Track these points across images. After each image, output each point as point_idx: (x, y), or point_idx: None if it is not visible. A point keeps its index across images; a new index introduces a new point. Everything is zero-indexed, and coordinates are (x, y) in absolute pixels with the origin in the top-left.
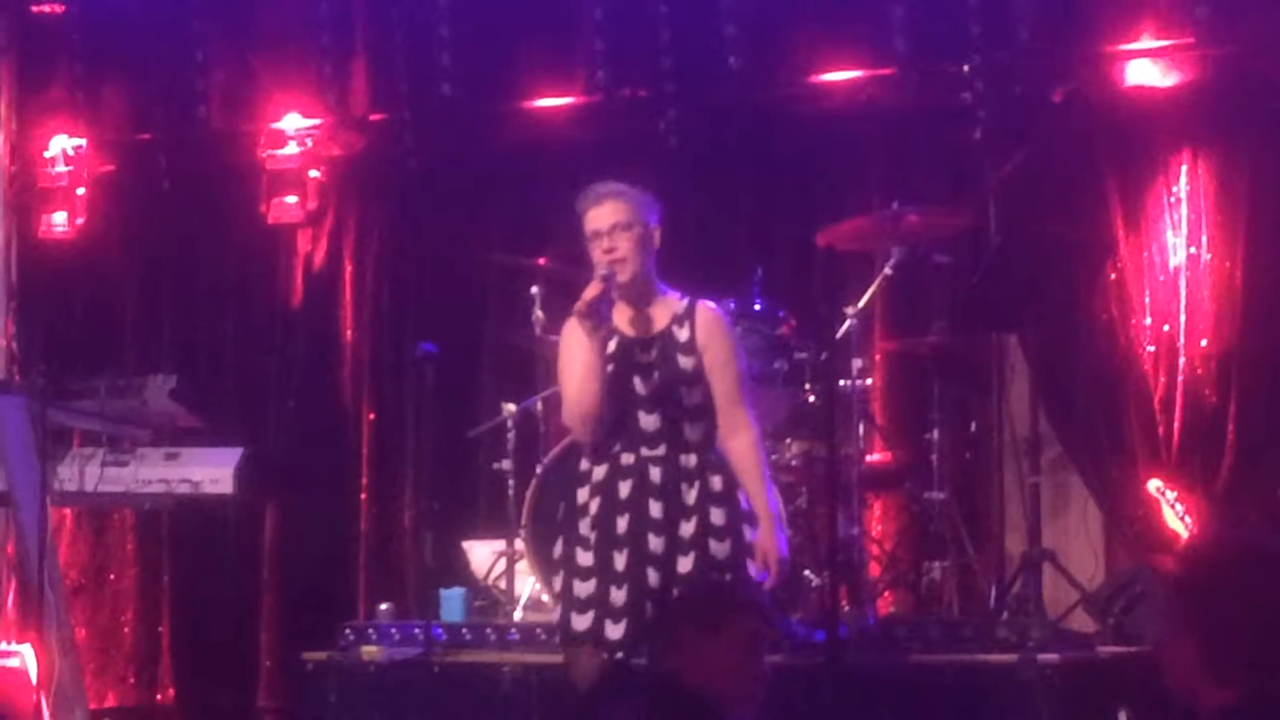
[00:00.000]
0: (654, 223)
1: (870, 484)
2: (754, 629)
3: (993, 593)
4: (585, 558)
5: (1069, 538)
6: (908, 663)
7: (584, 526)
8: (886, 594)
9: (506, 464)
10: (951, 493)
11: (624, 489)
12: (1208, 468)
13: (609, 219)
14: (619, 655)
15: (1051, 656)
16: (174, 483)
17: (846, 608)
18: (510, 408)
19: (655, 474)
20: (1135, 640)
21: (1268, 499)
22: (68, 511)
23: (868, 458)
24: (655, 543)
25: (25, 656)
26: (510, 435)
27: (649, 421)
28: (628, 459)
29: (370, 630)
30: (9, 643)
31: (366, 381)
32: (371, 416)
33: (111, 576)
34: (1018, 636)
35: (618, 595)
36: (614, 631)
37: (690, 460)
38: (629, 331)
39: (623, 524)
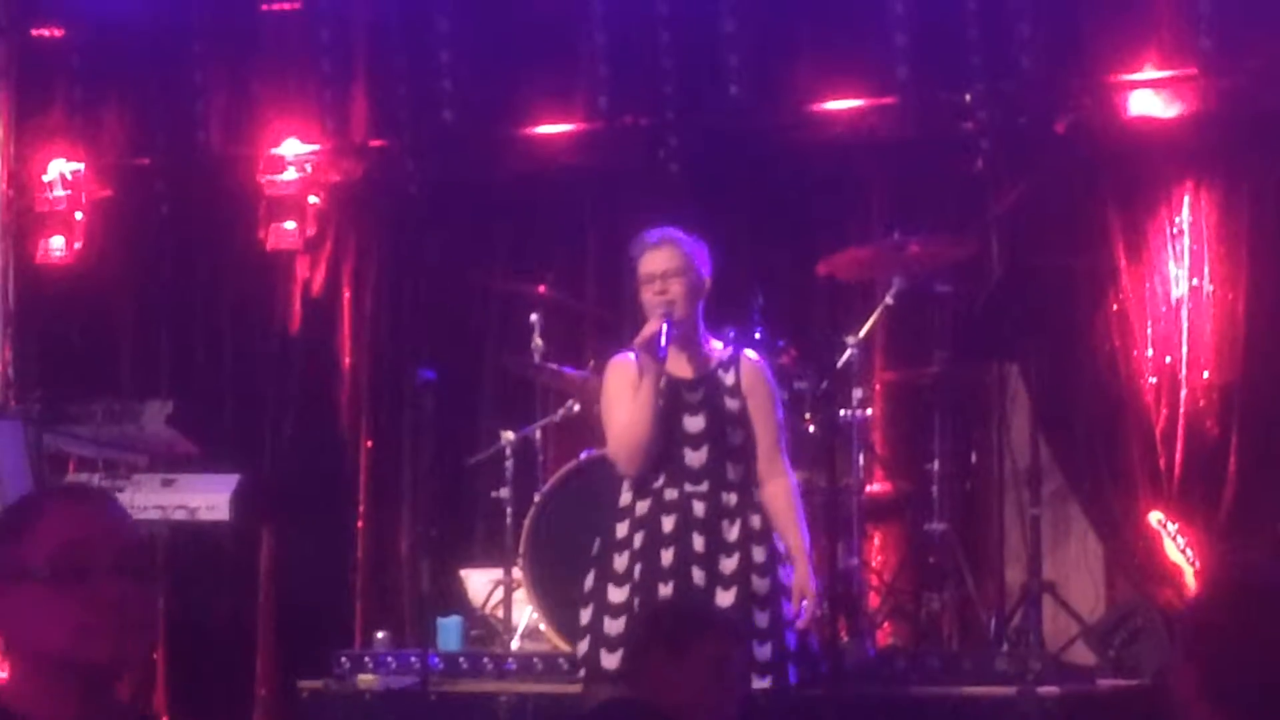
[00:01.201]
0: (706, 274)
1: (870, 514)
2: (721, 651)
3: (992, 624)
4: (618, 594)
5: (1069, 569)
6: (907, 694)
7: (620, 561)
8: (886, 625)
9: (504, 492)
10: (951, 524)
11: (667, 523)
12: (1209, 500)
13: (663, 264)
14: None
15: (1051, 689)
16: (170, 509)
17: (846, 639)
18: (509, 436)
19: (699, 509)
20: (1136, 673)
21: (1269, 531)
22: None
23: (868, 488)
24: (698, 575)
25: None
26: (508, 463)
27: (695, 459)
28: (671, 494)
29: (366, 658)
30: (5, 669)
31: (364, 408)
32: (369, 444)
33: None
34: (1017, 669)
35: None
36: None
37: (731, 498)
38: (676, 373)
39: (667, 557)
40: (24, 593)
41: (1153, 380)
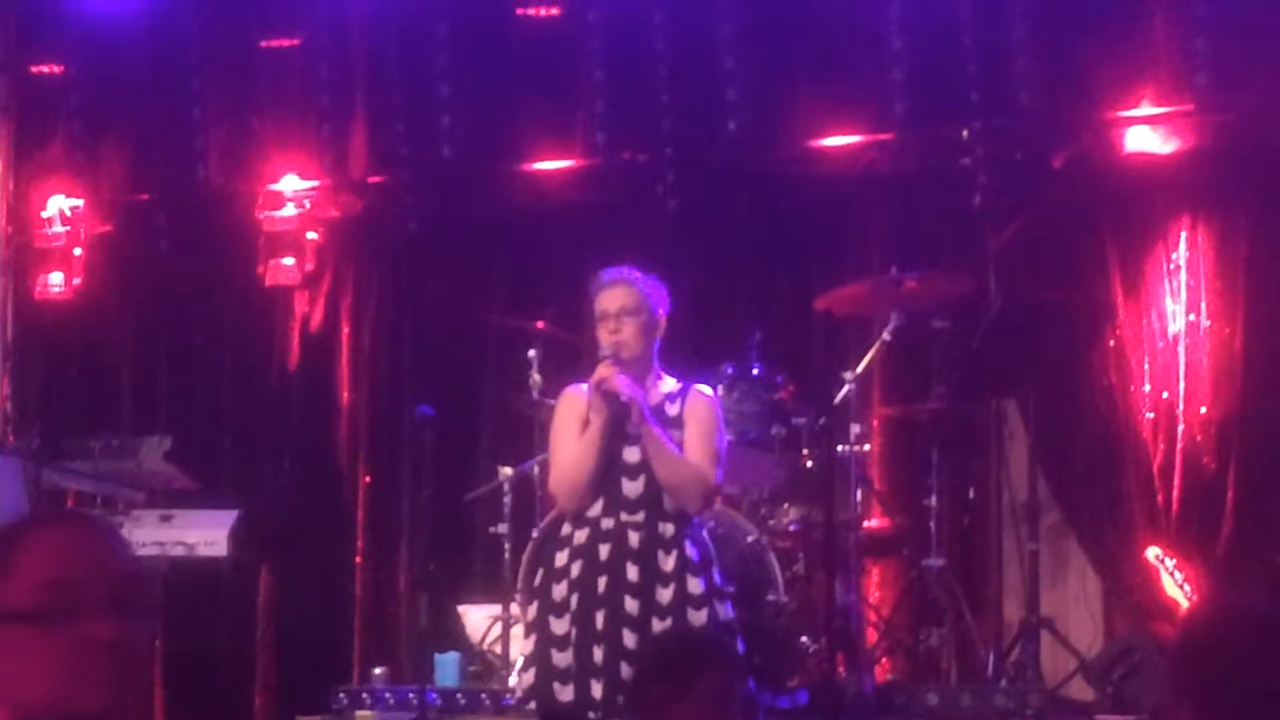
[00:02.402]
0: (662, 313)
1: (868, 550)
2: (725, 683)
3: (991, 660)
4: (559, 625)
5: (1067, 605)
6: None
7: (559, 590)
8: (884, 661)
9: (503, 528)
10: (950, 559)
11: (604, 551)
12: (1207, 535)
13: (617, 303)
14: (601, 715)
15: None
16: (168, 545)
17: (844, 675)
18: (507, 471)
19: (634, 539)
20: (1134, 709)
21: (1267, 566)
22: None
23: (865, 524)
24: (631, 605)
25: None
26: (507, 499)
27: (631, 489)
28: (608, 523)
29: (364, 694)
30: None
31: (363, 444)
32: (368, 479)
33: None
34: (1016, 704)
35: (597, 654)
36: (596, 690)
37: (668, 529)
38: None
39: (602, 584)
40: (6, 635)
41: (1150, 415)
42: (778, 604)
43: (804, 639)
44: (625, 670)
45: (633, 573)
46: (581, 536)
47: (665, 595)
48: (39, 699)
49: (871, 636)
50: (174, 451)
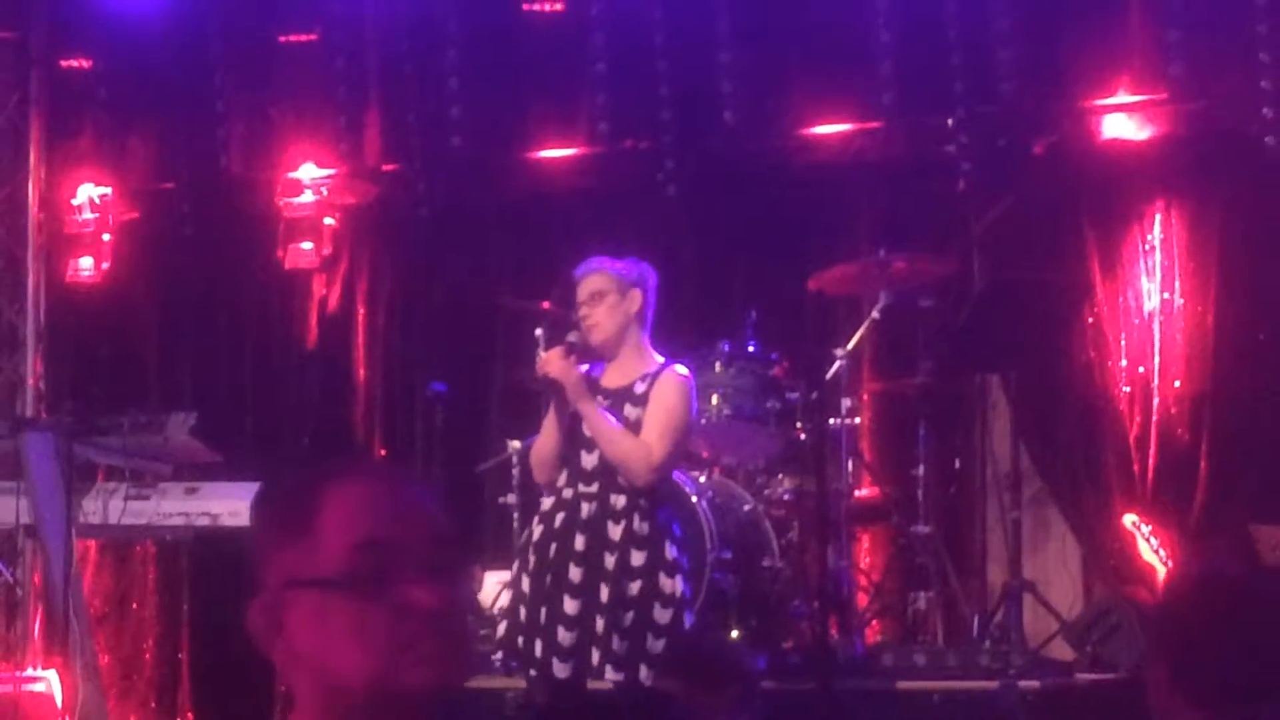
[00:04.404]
0: (635, 291)
1: (858, 518)
2: (748, 689)
3: (975, 622)
4: (525, 583)
5: (1049, 569)
6: (894, 689)
7: (528, 553)
8: (874, 623)
9: (512, 498)
10: (936, 526)
11: (558, 520)
12: (1181, 503)
13: (587, 290)
14: (536, 673)
15: (1032, 683)
16: (194, 516)
17: (835, 636)
18: (515, 444)
19: (585, 509)
20: (1111, 668)
21: (1238, 533)
22: (92, 543)
23: (856, 493)
24: (575, 572)
25: (51, 682)
26: (515, 471)
27: (589, 460)
28: (568, 494)
29: None
30: (35, 668)
31: (378, 419)
32: (383, 452)
33: (134, 606)
34: (1000, 664)
35: (541, 614)
36: (536, 649)
37: (620, 501)
38: (601, 383)
39: (552, 550)
40: (316, 604)
41: (1126, 389)
42: (773, 569)
43: (798, 602)
44: (563, 635)
45: (579, 542)
46: (548, 504)
47: (610, 561)
48: (355, 675)
49: (862, 600)
50: (199, 427)
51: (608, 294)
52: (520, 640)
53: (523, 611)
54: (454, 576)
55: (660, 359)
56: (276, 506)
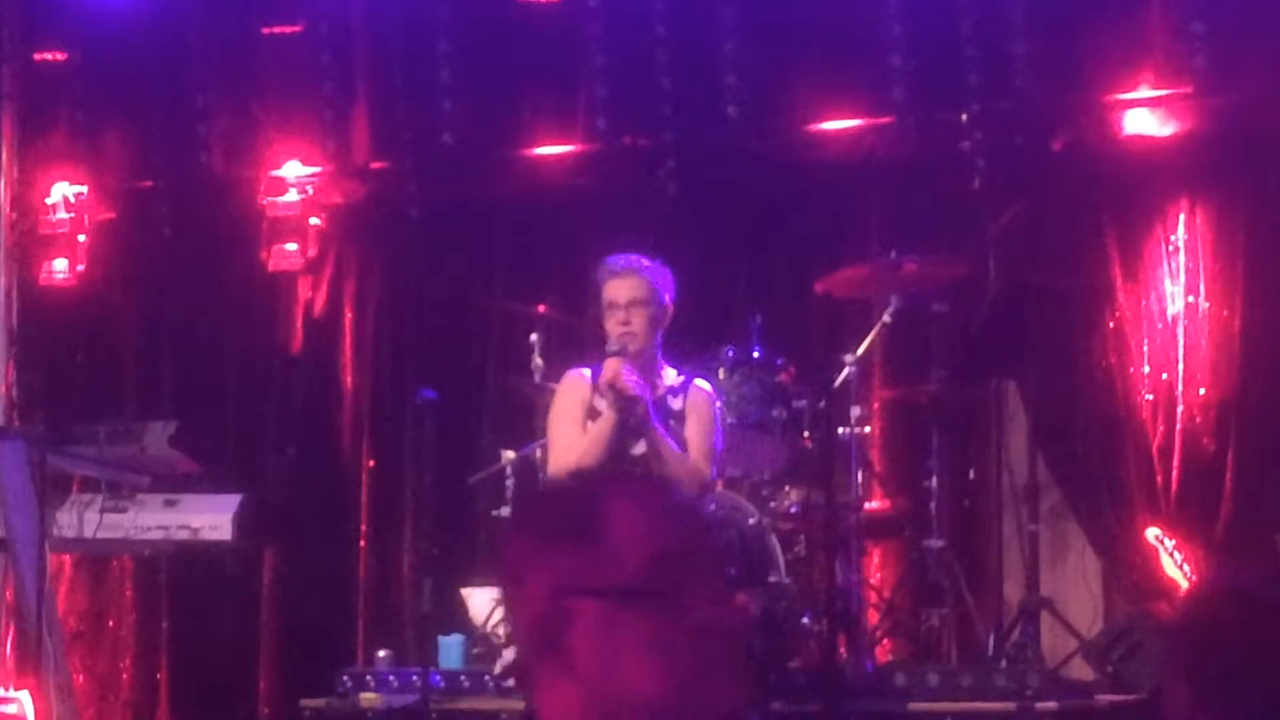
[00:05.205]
0: (669, 302)
1: (869, 532)
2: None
3: (991, 641)
4: None
5: (1067, 586)
6: (905, 711)
7: None
8: (885, 642)
9: (505, 511)
10: (950, 540)
11: None
12: (1206, 516)
13: (628, 294)
14: None
15: (1050, 705)
16: (173, 529)
17: (845, 655)
18: (509, 455)
19: None
20: (1134, 689)
21: (1266, 547)
22: (66, 558)
23: (866, 505)
24: None
25: (23, 703)
26: (509, 482)
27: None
28: None
29: (368, 677)
30: (7, 689)
31: (366, 428)
32: (371, 463)
33: (110, 623)
34: (1016, 685)
35: None
36: None
37: None
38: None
39: None
40: (603, 616)
41: (1149, 397)
42: (779, 585)
43: (805, 620)
44: None
45: None
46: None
47: None
48: (645, 691)
49: (872, 617)
50: (178, 436)
51: (649, 304)
52: None
53: None
54: (730, 594)
55: (674, 370)
56: (553, 512)
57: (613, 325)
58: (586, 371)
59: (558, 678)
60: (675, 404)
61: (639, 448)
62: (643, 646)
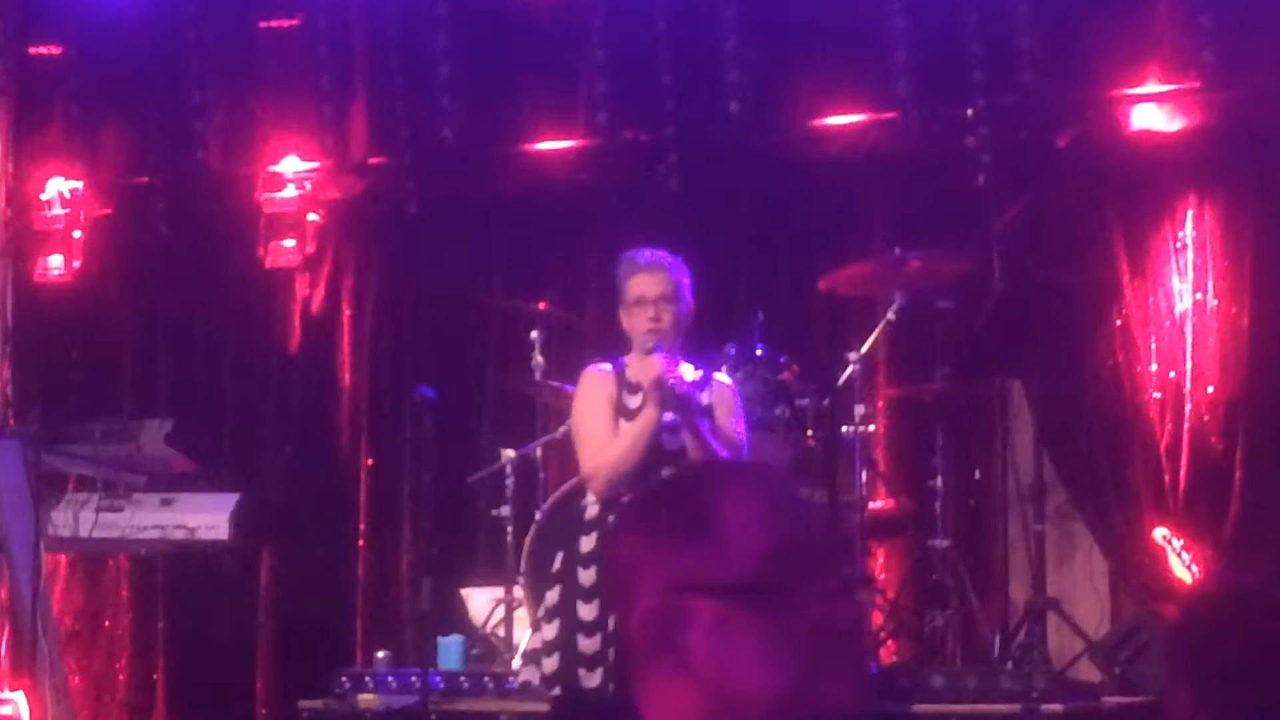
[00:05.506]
0: (690, 299)
1: (873, 531)
2: None
3: (996, 642)
4: (587, 610)
5: (1074, 586)
6: (910, 713)
7: (587, 576)
8: (889, 643)
9: (505, 510)
10: (955, 540)
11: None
12: (1214, 515)
13: (656, 289)
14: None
15: (1056, 707)
16: (169, 528)
17: None
18: (509, 454)
19: None
20: (1141, 690)
21: (1275, 546)
22: (62, 557)
23: (870, 505)
24: None
25: (18, 704)
26: (509, 481)
27: (668, 474)
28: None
29: (367, 678)
30: (2, 690)
31: (364, 426)
32: (369, 462)
33: (106, 623)
34: (1022, 686)
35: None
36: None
37: None
38: None
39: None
40: (719, 613)
41: (1157, 395)
42: None
43: None
44: None
45: None
46: (596, 511)
47: None
48: (765, 691)
49: (876, 618)
50: (175, 435)
51: (678, 300)
52: (586, 672)
53: (587, 641)
54: (847, 590)
55: (690, 365)
56: (665, 506)
57: (640, 321)
58: (608, 366)
59: (671, 677)
60: (704, 398)
61: (672, 442)
62: (759, 644)
